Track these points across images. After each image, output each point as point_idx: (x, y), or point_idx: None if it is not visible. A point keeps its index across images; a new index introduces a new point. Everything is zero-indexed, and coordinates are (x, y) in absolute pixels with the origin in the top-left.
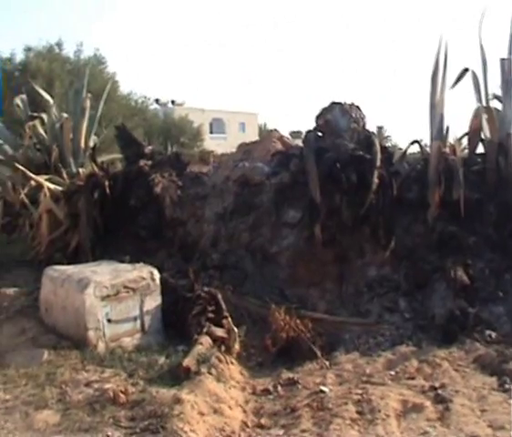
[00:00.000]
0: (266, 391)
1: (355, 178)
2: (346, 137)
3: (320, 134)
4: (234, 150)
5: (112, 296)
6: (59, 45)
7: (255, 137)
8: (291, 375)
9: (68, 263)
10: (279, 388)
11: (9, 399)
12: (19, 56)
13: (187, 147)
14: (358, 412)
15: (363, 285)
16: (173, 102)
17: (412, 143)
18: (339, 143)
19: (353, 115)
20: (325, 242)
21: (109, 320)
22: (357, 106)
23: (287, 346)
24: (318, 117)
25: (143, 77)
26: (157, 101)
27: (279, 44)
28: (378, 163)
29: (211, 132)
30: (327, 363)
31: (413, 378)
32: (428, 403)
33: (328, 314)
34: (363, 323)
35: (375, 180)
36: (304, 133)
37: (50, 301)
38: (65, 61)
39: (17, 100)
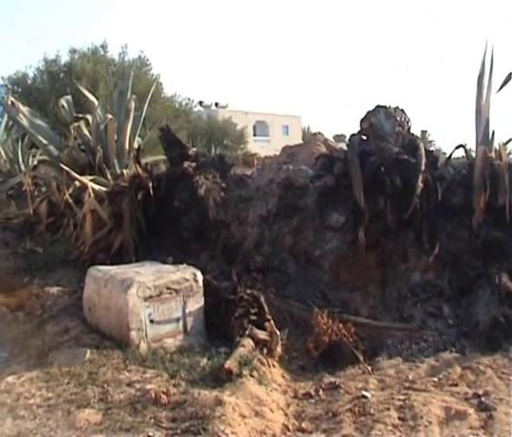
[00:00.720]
0: (308, 395)
1: (400, 182)
2: (391, 141)
3: (364, 137)
4: (277, 153)
5: (155, 297)
6: (104, 46)
7: (298, 140)
8: (332, 379)
9: (111, 263)
10: (320, 392)
11: (51, 397)
12: (64, 58)
13: (230, 150)
14: (400, 418)
15: (406, 290)
16: (217, 104)
17: (457, 147)
18: (383, 146)
19: (398, 118)
20: (369, 246)
21: (152, 321)
22: (402, 110)
23: (329, 350)
24: (362, 121)
25: (187, 80)
26: (200, 103)
27: (323, 46)
28: (423, 167)
29: (255, 134)
30: (369, 368)
31: (456, 385)
32: (471, 411)
33: (371, 319)
34: (406, 328)
35: (420, 184)
36: (348, 136)
37: (93, 301)
38: (109, 63)
39: (62, 101)
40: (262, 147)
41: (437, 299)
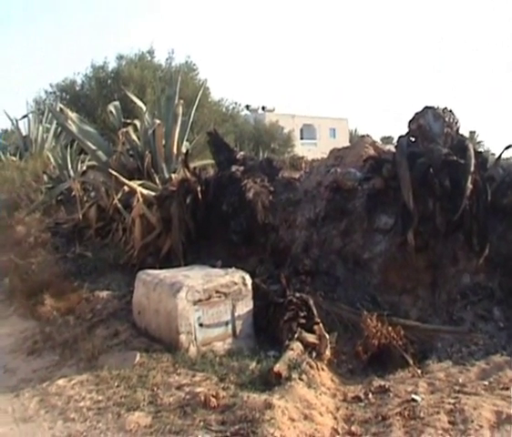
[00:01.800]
0: (357, 399)
1: (449, 184)
2: (439, 142)
3: (412, 139)
4: (325, 156)
5: (204, 300)
6: (151, 52)
7: (345, 143)
8: (382, 383)
9: (160, 267)
10: (370, 395)
11: (102, 400)
12: (111, 65)
13: (277, 153)
14: (450, 422)
15: (456, 292)
16: (264, 108)
17: (506, 148)
18: (432, 148)
19: (447, 119)
20: (418, 248)
21: (201, 325)
22: (450, 111)
23: (378, 353)
24: (411, 122)
25: (234, 84)
26: (247, 107)
27: (368, 48)
28: (472, 168)
29: (302, 138)
30: (419, 371)
31: (507, 388)
32: None
33: (420, 322)
34: (456, 331)
35: (469, 186)
36: (397, 138)
37: (143, 305)
38: (156, 68)
39: (110, 107)
40: (309, 151)
41: (488, 301)
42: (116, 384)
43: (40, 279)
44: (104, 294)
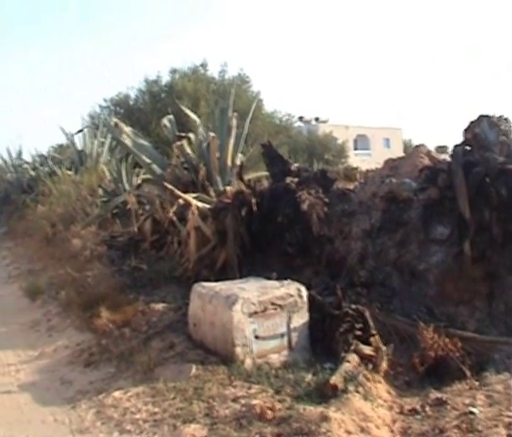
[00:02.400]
0: (414, 411)
1: (505, 193)
2: (495, 151)
3: (468, 148)
4: (379, 166)
5: (259, 312)
6: (204, 65)
7: (400, 153)
8: (439, 395)
9: (216, 280)
10: (427, 408)
11: (157, 411)
12: (165, 78)
13: (331, 164)
14: (509, 436)
15: None
16: (317, 119)
17: None
18: (488, 157)
19: (502, 127)
20: (475, 259)
21: (257, 337)
22: (506, 119)
23: (435, 365)
24: (466, 131)
25: (287, 95)
26: (300, 118)
27: (423, 57)
28: None
29: (356, 148)
30: (476, 384)
31: None
32: None
33: (477, 333)
34: None
35: None
36: (452, 147)
37: (198, 317)
38: (209, 81)
39: (165, 121)
40: (363, 161)
41: None
42: (171, 396)
43: (96, 292)
44: (159, 306)
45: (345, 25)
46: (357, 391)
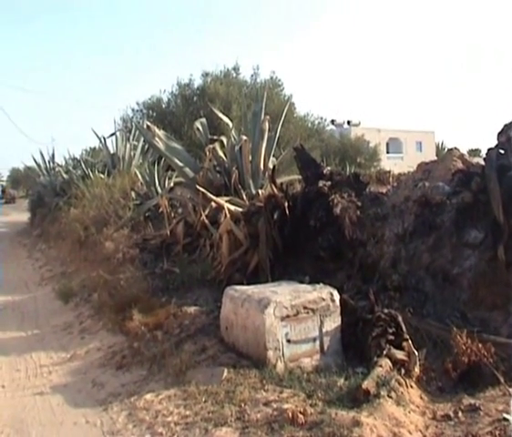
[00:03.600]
0: (446, 417)
1: None
2: None
3: (502, 151)
4: (411, 170)
5: (292, 316)
6: (236, 69)
7: (432, 156)
8: (472, 401)
9: (248, 283)
10: (460, 414)
11: (189, 414)
12: (197, 82)
13: (363, 168)
14: None
15: None
16: (349, 122)
17: None
18: None
19: None
20: (509, 263)
21: (289, 341)
22: None
23: (468, 371)
24: (500, 134)
25: (319, 98)
26: (332, 122)
27: (454, 60)
28: None
29: (388, 152)
30: (510, 390)
31: None
32: None
33: (511, 339)
34: None
35: None
36: (485, 150)
37: (230, 320)
38: (241, 84)
39: (197, 124)
40: (396, 165)
41: None
42: (203, 399)
43: (128, 295)
44: (191, 310)
45: (378, 27)
46: (389, 396)
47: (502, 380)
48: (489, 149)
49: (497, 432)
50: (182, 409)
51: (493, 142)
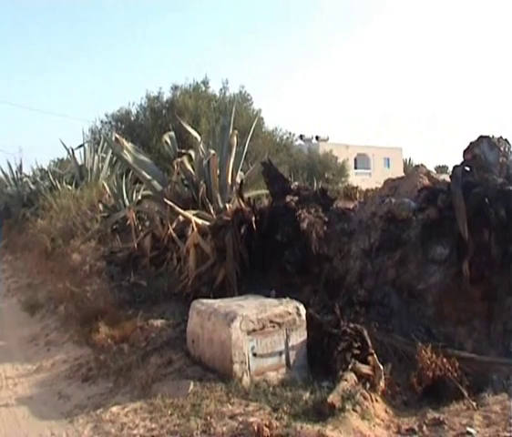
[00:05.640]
0: (411, 431)
1: (504, 214)
2: (495, 172)
3: (467, 168)
4: (379, 186)
5: (258, 330)
6: (205, 83)
7: (400, 173)
8: (436, 415)
9: (215, 297)
10: (424, 428)
11: (155, 427)
12: (166, 95)
13: (331, 183)
14: None
15: None
16: (317, 138)
17: None
18: (487, 177)
19: (502, 148)
20: (473, 279)
21: (255, 354)
22: (505, 140)
23: (433, 385)
24: (465, 152)
25: (287, 114)
26: (301, 137)
27: (420, 78)
28: None
29: (356, 167)
30: (474, 404)
31: None
32: None
33: (476, 353)
34: None
35: None
36: (451, 168)
37: (197, 334)
38: (211, 98)
39: (165, 137)
40: (363, 181)
41: None
42: (169, 412)
43: (95, 307)
44: (158, 323)
45: (347, 43)
46: (354, 410)
47: (466, 394)
48: (455, 166)
49: None
50: (148, 422)
51: (459, 159)
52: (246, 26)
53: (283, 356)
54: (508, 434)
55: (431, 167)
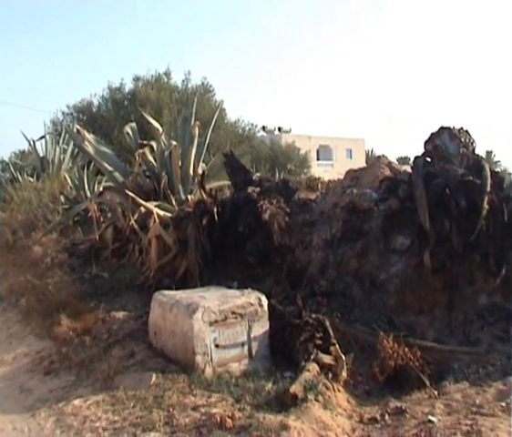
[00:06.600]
0: (373, 420)
1: (465, 204)
2: (455, 163)
3: (428, 159)
4: (341, 177)
5: (220, 321)
6: (167, 74)
7: (362, 164)
8: (398, 404)
9: (177, 288)
10: (386, 417)
11: (117, 420)
12: (128, 86)
13: (294, 174)
14: None
15: (473, 313)
16: (280, 129)
17: None
18: (448, 168)
19: (463, 139)
20: (434, 269)
21: (217, 346)
22: (466, 131)
23: (395, 374)
24: (426, 143)
25: (250, 105)
26: (263, 128)
27: (382, 69)
28: (488, 188)
29: (318, 159)
30: (436, 393)
31: None
32: None
33: (437, 342)
34: (473, 352)
35: (486, 206)
36: (412, 158)
37: (159, 325)
38: (173, 90)
39: (127, 128)
40: (326, 172)
41: (505, 322)
42: (131, 405)
43: (57, 300)
44: (120, 315)
45: (310, 32)
46: (317, 400)
47: (428, 383)
48: (416, 157)
49: (423, 434)
50: (110, 414)
51: (421, 150)
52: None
53: (246, 347)
54: (469, 422)
55: (393, 158)
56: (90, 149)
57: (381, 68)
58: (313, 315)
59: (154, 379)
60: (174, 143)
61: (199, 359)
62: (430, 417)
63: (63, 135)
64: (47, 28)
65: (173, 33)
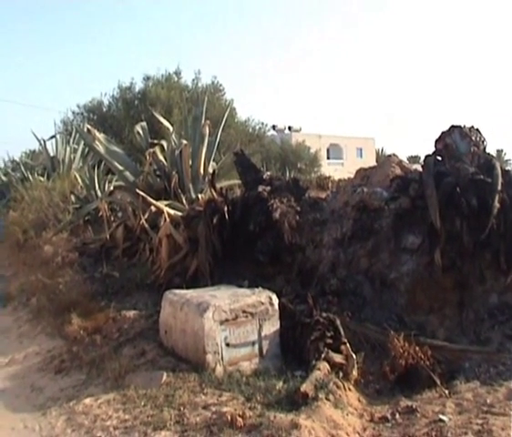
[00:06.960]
0: (384, 419)
1: (476, 203)
2: (466, 161)
3: (439, 158)
4: (351, 175)
5: (231, 320)
6: (177, 73)
7: (372, 162)
8: (409, 403)
9: (187, 287)
10: (397, 416)
11: (128, 419)
12: (138, 85)
13: (304, 173)
14: None
15: (483, 312)
16: (290, 128)
17: None
18: (459, 167)
19: (473, 138)
20: (445, 268)
21: (228, 344)
22: (477, 130)
23: (406, 373)
24: (437, 141)
25: (260, 104)
26: (274, 127)
27: (395, 68)
28: (499, 187)
29: (328, 158)
30: (446, 392)
31: None
32: None
33: (448, 342)
34: (484, 351)
35: (496, 204)
36: (423, 157)
37: (170, 324)
38: (183, 89)
39: (138, 128)
40: (336, 170)
41: None
42: (142, 403)
43: (67, 299)
44: (131, 314)
45: (319, 31)
46: (328, 399)
47: (438, 382)
48: (427, 156)
49: (434, 433)
50: (121, 413)
51: (431, 149)
52: (219, 18)
53: (256, 346)
54: (480, 421)
55: (403, 156)
56: (101, 149)
57: (392, 67)
58: (324, 314)
59: (165, 377)
60: (184, 142)
61: (209, 357)
62: (441, 416)
63: (73, 134)
64: (56, 28)
65: (181, 32)
